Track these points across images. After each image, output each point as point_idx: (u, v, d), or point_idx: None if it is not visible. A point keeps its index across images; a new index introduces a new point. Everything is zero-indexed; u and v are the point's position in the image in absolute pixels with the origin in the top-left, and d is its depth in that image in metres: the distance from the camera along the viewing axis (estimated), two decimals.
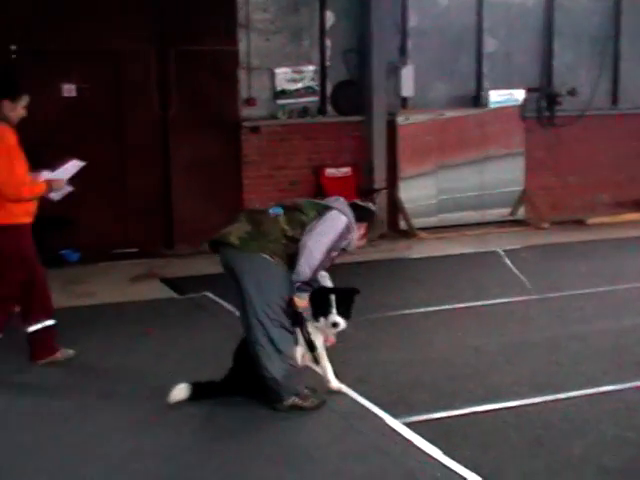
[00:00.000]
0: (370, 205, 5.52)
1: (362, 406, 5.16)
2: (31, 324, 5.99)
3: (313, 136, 11.11)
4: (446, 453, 4.43)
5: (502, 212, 12.04)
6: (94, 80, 10.13)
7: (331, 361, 5.47)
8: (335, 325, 5.13)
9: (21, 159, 5.74)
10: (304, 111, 11.10)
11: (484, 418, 5.00)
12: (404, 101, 11.56)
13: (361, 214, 5.24)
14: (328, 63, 11.15)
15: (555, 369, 5.86)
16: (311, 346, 5.13)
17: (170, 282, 8.75)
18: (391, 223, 11.38)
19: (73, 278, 9.02)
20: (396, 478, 4.25)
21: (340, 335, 5.74)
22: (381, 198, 11.26)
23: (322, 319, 5.12)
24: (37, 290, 5.99)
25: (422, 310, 7.54)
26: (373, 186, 11.16)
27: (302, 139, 11.07)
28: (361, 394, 5.32)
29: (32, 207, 5.90)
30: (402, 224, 11.37)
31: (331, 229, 5.00)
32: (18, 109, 5.79)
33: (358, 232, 5.22)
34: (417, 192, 11.49)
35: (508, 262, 9.30)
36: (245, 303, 4.99)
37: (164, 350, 6.42)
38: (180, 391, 5.23)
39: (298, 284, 4.96)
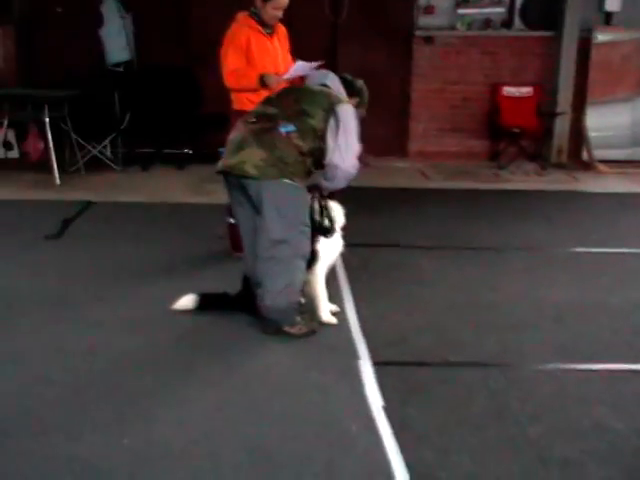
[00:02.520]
0: (360, 80, 5.21)
1: (350, 342, 4.78)
2: None
3: (493, 50, 10.29)
4: (387, 405, 4.00)
5: None
6: None
7: (367, 285, 5.61)
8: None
9: (239, 50, 5.81)
10: (486, 23, 10.27)
11: (453, 377, 4.40)
12: (608, 17, 10.31)
13: (351, 88, 5.07)
14: None
15: (570, 338, 4.94)
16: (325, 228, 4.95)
17: None
18: (572, 153, 10.37)
19: (210, 177, 9.12)
20: (313, 419, 3.88)
21: (402, 265, 6.21)
22: (564, 124, 10.28)
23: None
24: None
25: (506, 251, 6.79)
26: (555, 109, 10.20)
27: (480, 53, 10.29)
28: (363, 331, 4.94)
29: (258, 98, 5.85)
30: (585, 155, 10.31)
31: (350, 130, 4.81)
32: (267, 9, 5.87)
33: None
34: (608, 120, 10.31)
35: None
36: (260, 231, 4.74)
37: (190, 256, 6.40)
38: (187, 300, 5.19)
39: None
